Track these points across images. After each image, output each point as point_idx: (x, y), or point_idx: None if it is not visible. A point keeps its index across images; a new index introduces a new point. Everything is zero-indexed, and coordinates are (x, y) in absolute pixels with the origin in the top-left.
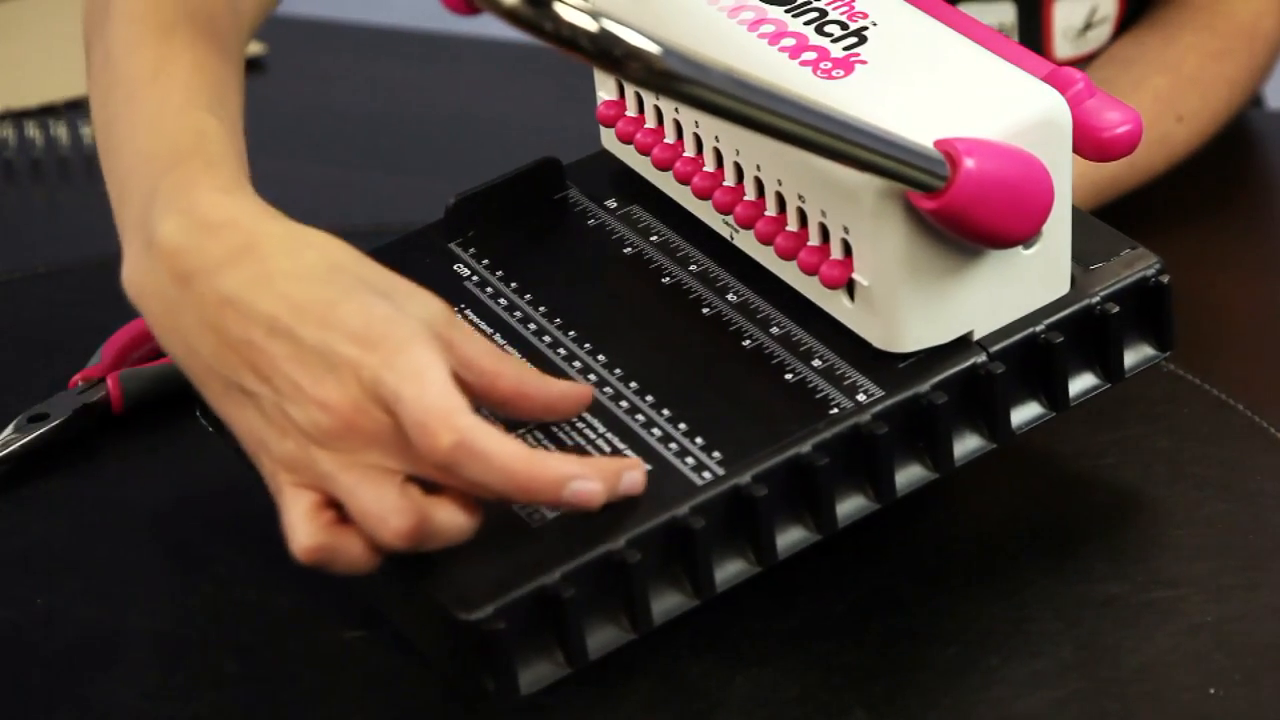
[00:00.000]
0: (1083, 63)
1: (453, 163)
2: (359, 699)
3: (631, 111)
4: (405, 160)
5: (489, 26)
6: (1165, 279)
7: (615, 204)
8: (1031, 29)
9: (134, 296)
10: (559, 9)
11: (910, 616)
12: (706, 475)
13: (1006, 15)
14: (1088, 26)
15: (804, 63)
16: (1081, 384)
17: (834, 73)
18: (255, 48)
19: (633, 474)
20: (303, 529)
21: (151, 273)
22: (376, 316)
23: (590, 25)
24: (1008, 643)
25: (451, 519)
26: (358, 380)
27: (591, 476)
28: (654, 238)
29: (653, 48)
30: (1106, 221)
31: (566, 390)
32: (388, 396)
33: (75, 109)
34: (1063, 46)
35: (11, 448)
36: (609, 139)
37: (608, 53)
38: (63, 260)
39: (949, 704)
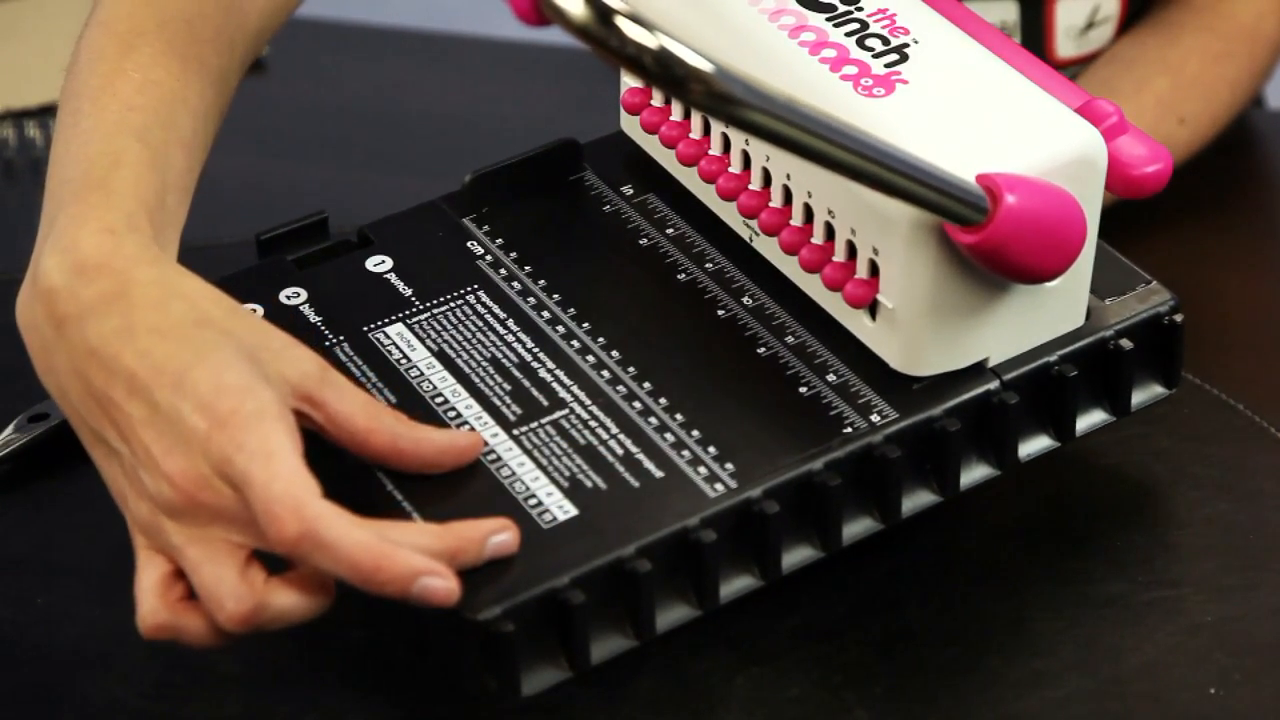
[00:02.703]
0: (1084, 62)
1: (453, 163)
2: (359, 699)
3: (658, 102)
4: (405, 160)
5: (490, 26)
6: (1178, 317)
7: (631, 191)
8: (1033, 28)
9: (20, 327)
10: (622, 25)
11: (911, 616)
12: (719, 487)
13: (1009, 14)
14: (1090, 26)
15: (845, 77)
16: (1089, 418)
17: (875, 90)
18: None
19: (501, 536)
20: (149, 604)
21: (32, 309)
22: (228, 385)
23: (650, 43)
24: (1008, 642)
25: (291, 604)
26: (205, 456)
27: (443, 573)
28: (670, 230)
29: (710, 68)
30: (1108, 224)
31: (445, 446)
32: (236, 477)
33: None
34: (1065, 46)
35: (12, 447)
36: (631, 126)
37: (669, 73)
38: None
39: (949, 704)
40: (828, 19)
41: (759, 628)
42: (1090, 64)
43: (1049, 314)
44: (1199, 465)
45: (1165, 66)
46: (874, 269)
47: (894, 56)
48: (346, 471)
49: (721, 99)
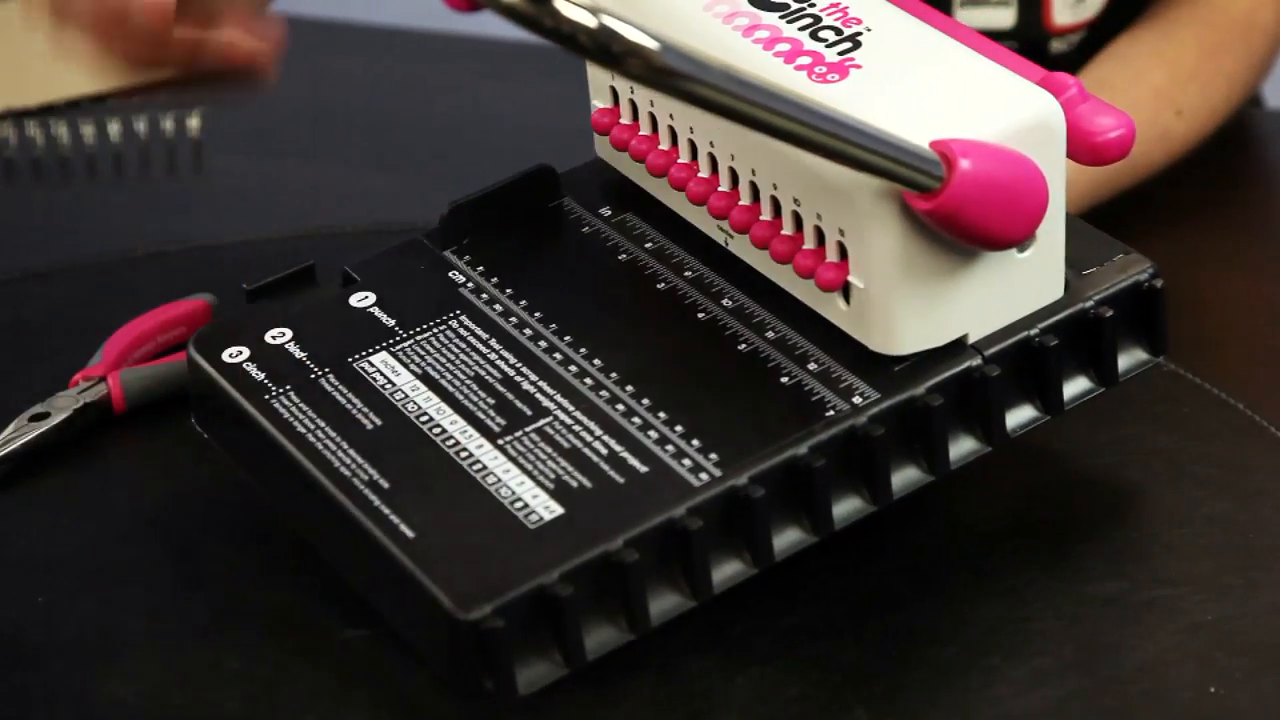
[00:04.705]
0: (1080, 30)
1: (453, 163)
2: (359, 699)
3: (626, 119)
4: (405, 160)
5: (489, 26)
6: (1159, 283)
7: (609, 212)
8: None
9: None
10: (558, 5)
11: (910, 615)
12: (703, 477)
13: None
14: None
15: (799, 67)
16: (1076, 388)
17: (829, 77)
18: None
19: None
20: None
21: None
22: None
23: (589, 21)
24: (1008, 642)
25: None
26: None
27: None
28: (648, 245)
29: (652, 44)
30: (1107, 221)
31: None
32: None
33: (75, 109)
34: (1061, 12)
35: (12, 447)
36: (603, 146)
37: (606, 49)
38: (63, 260)
39: (949, 703)
40: (780, 17)
41: (759, 627)
42: (1087, 64)
43: (1026, 287)
44: (1198, 464)
45: (1161, 60)
46: (843, 252)
47: (847, 45)
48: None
49: (661, 72)
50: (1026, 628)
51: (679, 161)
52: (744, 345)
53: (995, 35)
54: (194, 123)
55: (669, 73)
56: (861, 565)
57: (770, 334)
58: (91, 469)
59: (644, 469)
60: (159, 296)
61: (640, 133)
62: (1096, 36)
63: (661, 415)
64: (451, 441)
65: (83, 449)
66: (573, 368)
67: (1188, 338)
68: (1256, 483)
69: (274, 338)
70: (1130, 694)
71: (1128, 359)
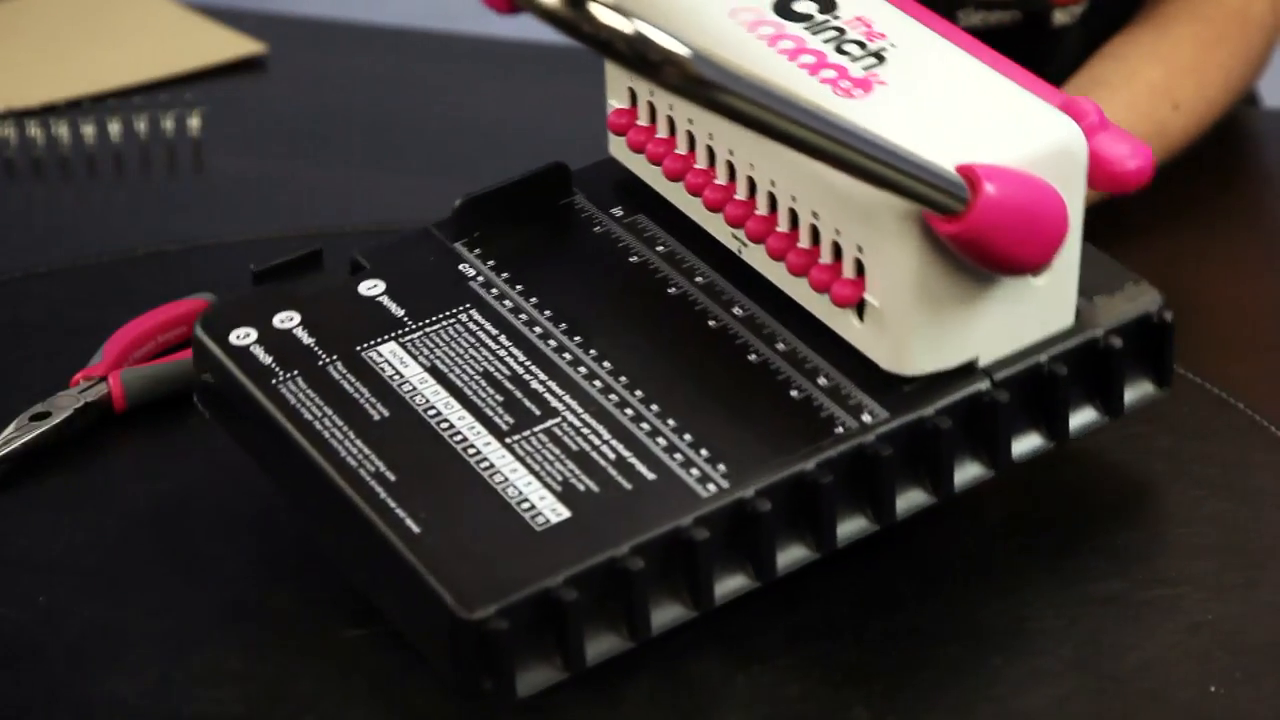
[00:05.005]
0: (1082, 1)
1: (453, 163)
2: (359, 698)
3: (643, 121)
4: (405, 160)
5: (490, 26)
6: (1168, 316)
7: (621, 212)
8: None
9: None
10: (595, 11)
11: (911, 615)
12: (711, 487)
13: None
14: None
15: (824, 80)
16: (1081, 417)
17: (853, 91)
18: (255, 47)
19: None
20: None
21: None
22: None
23: (625, 27)
24: (1008, 641)
25: None
26: None
27: None
28: (660, 248)
29: (684, 51)
30: (1107, 220)
31: None
32: None
33: (76, 108)
34: None
35: (12, 446)
36: (618, 147)
37: (643, 57)
38: (63, 260)
39: (950, 702)
40: (805, 28)
41: (758, 626)
42: (1084, 65)
43: (1038, 313)
44: (1199, 463)
45: (1157, 57)
46: (860, 269)
47: (871, 60)
48: (339, 485)
49: (697, 82)
50: (1027, 627)
51: (696, 167)
52: (754, 356)
53: (997, 6)
54: (194, 123)
55: (702, 82)
56: (862, 565)
57: (780, 346)
58: (91, 469)
59: (651, 476)
60: (159, 296)
61: (657, 135)
62: (1099, 9)
63: (670, 422)
64: (459, 437)
65: (83, 449)
66: (582, 369)
67: (1188, 337)
68: (1256, 482)
69: (282, 321)
70: (1130, 693)
71: (1133, 391)
